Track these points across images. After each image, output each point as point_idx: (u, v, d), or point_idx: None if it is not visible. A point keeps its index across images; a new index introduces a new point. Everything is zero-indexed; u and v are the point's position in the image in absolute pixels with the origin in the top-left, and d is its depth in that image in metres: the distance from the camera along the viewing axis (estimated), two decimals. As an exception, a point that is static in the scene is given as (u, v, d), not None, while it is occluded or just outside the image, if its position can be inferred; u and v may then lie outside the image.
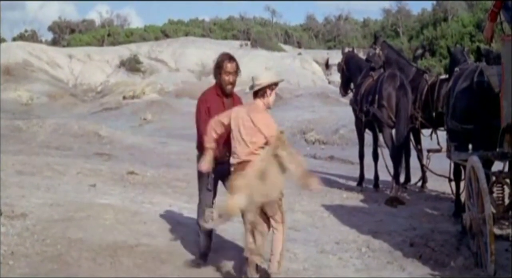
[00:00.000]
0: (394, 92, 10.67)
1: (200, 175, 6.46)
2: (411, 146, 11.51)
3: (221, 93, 6.53)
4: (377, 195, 11.07)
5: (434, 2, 56.41)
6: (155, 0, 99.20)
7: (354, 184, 12.16)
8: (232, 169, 5.97)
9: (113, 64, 45.28)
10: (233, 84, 6.54)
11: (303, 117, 25.95)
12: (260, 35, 54.75)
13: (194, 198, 9.94)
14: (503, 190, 6.61)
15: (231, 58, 6.56)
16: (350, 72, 12.59)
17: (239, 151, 5.93)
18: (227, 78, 6.48)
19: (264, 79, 6.10)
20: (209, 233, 6.69)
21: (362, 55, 14.79)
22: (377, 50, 11.75)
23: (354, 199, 10.74)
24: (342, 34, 63.99)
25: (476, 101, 7.62)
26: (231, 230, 7.97)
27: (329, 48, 57.80)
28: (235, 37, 57.49)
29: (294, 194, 10.89)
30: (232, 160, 6.00)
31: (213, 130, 6.05)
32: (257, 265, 5.98)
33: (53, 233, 7.04)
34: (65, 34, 60.31)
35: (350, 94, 12.87)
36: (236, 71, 6.56)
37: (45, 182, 10.10)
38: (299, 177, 5.81)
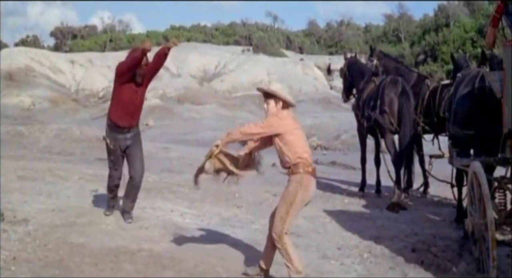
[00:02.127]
0: (396, 98, 10.68)
1: (111, 151, 7.97)
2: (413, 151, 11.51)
3: None
4: (379, 201, 11.07)
5: (436, 8, 56.53)
6: (157, 0, 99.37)
7: (356, 189, 12.15)
8: (306, 176, 6.08)
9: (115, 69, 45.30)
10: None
11: (305, 123, 25.85)
12: (262, 40, 54.85)
13: (195, 203, 10.00)
14: (505, 195, 6.61)
15: None
16: (352, 77, 12.60)
17: (309, 156, 6.19)
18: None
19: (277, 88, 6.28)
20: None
21: (364, 60, 14.81)
22: (375, 62, 11.87)
23: (356, 205, 10.74)
24: (344, 40, 64.05)
25: (477, 106, 7.62)
26: (232, 235, 7.98)
27: (331, 53, 57.86)
28: (237, 43, 57.58)
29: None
30: (306, 168, 6.08)
31: None
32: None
33: (55, 238, 7.04)
34: (67, 39, 60.45)
35: (352, 100, 12.87)
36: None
37: (47, 187, 10.10)
38: None
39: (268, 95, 6.25)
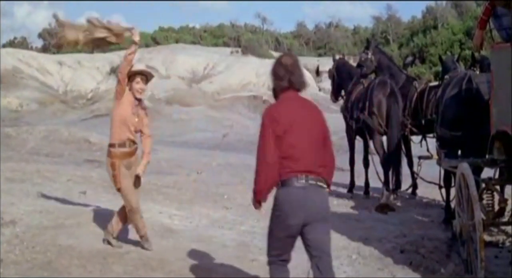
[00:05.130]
0: (385, 99, 10.70)
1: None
2: (402, 153, 11.52)
3: None
4: (368, 202, 11.08)
5: (424, 9, 56.79)
6: (145, 0, 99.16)
7: (344, 190, 12.16)
8: None
9: (103, 71, 45.17)
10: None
11: (294, 124, 25.94)
12: (250, 42, 54.91)
13: (184, 204, 9.98)
14: (492, 196, 6.63)
15: None
16: (341, 79, 12.62)
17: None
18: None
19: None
20: None
21: (352, 62, 14.83)
22: (369, 55, 11.76)
23: (344, 206, 10.75)
24: (332, 42, 64.25)
25: (465, 108, 7.67)
26: (221, 236, 7.98)
27: (320, 55, 57.96)
28: (225, 44, 57.63)
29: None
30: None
31: None
32: None
33: (43, 240, 7.01)
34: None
35: (341, 101, 12.89)
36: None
37: (35, 189, 10.06)
38: None
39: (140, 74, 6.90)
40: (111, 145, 6.96)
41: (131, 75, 6.84)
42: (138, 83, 6.85)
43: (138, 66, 7.02)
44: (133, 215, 6.93)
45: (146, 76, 6.96)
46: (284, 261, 5.04)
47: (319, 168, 4.94)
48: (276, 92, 5.01)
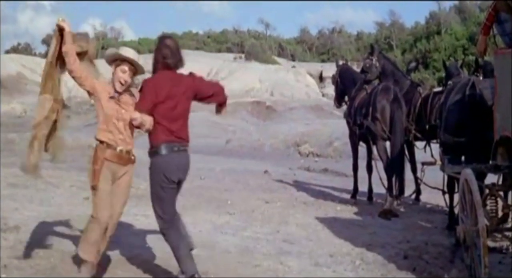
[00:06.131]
0: (388, 105, 10.69)
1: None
2: (405, 158, 11.52)
3: None
4: (371, 208, 11.08)
5: (427, 15, 56.83)
6: (148, 0, 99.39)
7: (348, 196, 12.16)
8: None
9: (107, 77, 45.25)
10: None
11: (297, 130, 25.97)
12: (254, 48, 54.96)
13: (188, 210, 9.97)
14: (496, 202, 6.62)
15: None
16: (344, 85, 12.62)
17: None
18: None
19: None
20: None
21: (356, 68, 14.83)
22: (374, 61, 11.71)
23: (348, 212, 10.74)
24: (335, 47, 64.29)
25: (468, 114, 7.67)
26: (224, 242, 7.97)
27: (323, 61, 58.09)
28: (229, 50, 57.74)
29: (288, 207, 10.89)
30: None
31: None
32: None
33: (46, 246, 7.01)
34: (59, 46, 60.39)
35: (344, 107, 12.90)
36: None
37: (38, 194, 10.07)
38: None
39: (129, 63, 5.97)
40: (100, 142, 6.08)
41: (118, 60, 5.96)
42: (124, 73, 5.93)
43: (128, 53, 6.02)
44: (94, 225, 5.94)
45: (135, 68, 5.96)
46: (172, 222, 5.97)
47: (186, 135, 5.87)
48: (157, 68, 5.84)
